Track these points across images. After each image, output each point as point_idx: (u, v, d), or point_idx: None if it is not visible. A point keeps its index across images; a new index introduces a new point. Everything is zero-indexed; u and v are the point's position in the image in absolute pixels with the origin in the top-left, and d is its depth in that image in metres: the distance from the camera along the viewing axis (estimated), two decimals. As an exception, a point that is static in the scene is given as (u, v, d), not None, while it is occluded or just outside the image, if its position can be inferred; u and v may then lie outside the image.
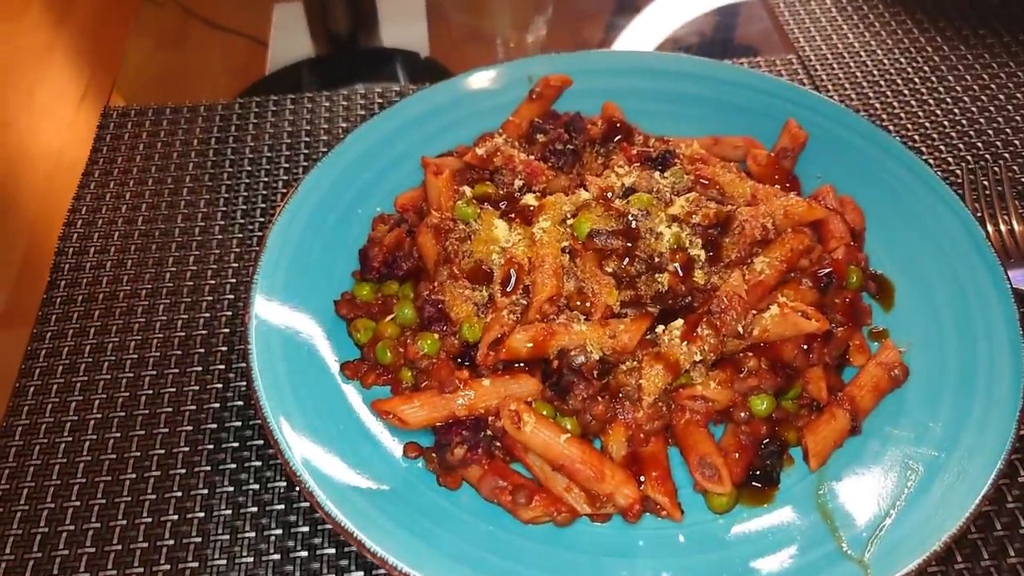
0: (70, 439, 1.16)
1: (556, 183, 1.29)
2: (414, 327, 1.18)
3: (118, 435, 1.16)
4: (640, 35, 1.88)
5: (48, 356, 1.25)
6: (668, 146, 1.30)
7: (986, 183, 1.42)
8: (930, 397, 1.11)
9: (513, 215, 1.21)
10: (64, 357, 1.25)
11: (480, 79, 1.49)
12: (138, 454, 1.14)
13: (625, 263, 1.12)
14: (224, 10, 1.97)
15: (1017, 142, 1.53)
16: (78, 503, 1.10)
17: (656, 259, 1.12)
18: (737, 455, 1.06)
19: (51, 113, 1.70)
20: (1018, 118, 1.58)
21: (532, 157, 1.32)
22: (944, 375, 1.12)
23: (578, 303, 1.12)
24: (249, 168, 1.52)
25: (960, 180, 1.45)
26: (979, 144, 1.53)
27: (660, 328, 1.10)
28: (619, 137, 1.34)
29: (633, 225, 1.13)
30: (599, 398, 1.07)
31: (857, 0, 1.86)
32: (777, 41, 1.79)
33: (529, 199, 1.22)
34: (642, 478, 1.03)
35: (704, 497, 1.04)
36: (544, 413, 1.06)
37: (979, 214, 1.37)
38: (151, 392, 1.21)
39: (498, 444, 1.08)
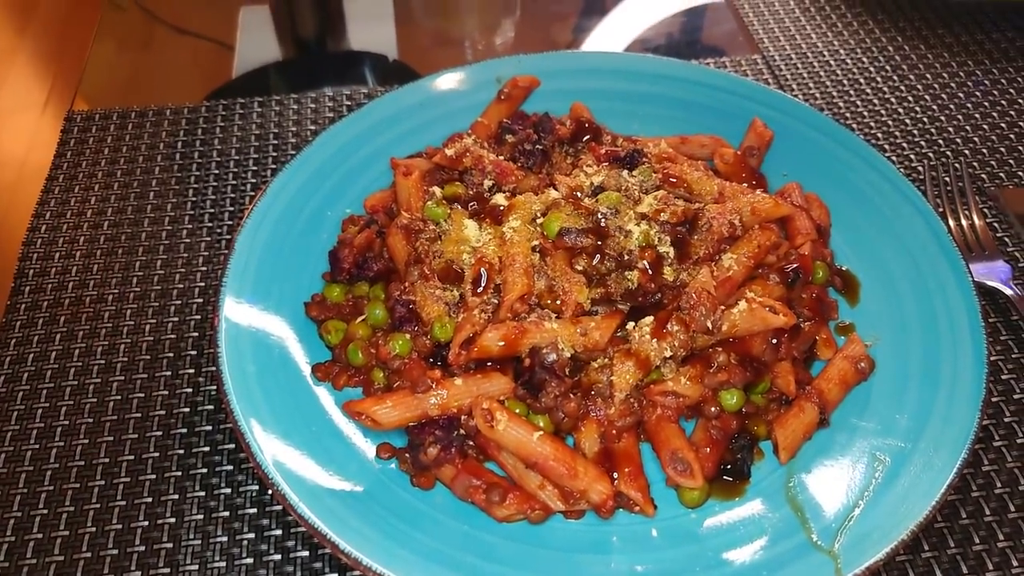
0: (36, 447, 1.14)
1: (526, 183, 1.29)
2: (385, 328, 1.18)
3: (86, 441, 1.15)
4: (608, 36, 1.89)
5: (13, 363, 1.23)
6: (636, 145, 1.31)
7: (947, 179, 1.45)
8: (896, 389, 1.12)
9: (483, 215, 1.21)
10: (29, 364, 1.23)
11: (449, 80, 1.49)
12: (107, 460, 1.13)
13: (595, 261, 1.13)
14: (189, 13, 1.95)
15: (976, 138, 1.57)
16: (45, 511, 1.08)
17: (626, 257, 1.12)
18: (708, 449, 1.07)
19: (15, 118, 1.67)
20: (977, 115, 1.61)
21: (501, 157, 1.32)
22: (909, 367, 1.14)
23: (549, 301, 1.12)
24: (216, 171, 1.51)
25: (922, 176, 1.48)
26: (940, 141, 1.56)
27: (631, 325, 1.11)
28: (588, 137, 1.35)
29: (602, 223, 1.13)
30: (571, 395, 1.08)
31: (820, 1, 1.89)
32: (742, 42, 1.81)
33: (499, 199, 1.23)
34: (615, 474, 1.04)
35: (676, 492, 1.05)
36: (517, 411, 1.06)
37: (940, 209, 1.39)
38: (119, 397, 1.19)
39: (471, 443, 1.08)
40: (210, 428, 1.16)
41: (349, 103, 1.65)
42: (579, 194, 1.19)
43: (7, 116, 1.67)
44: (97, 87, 1.72)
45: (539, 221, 1.17)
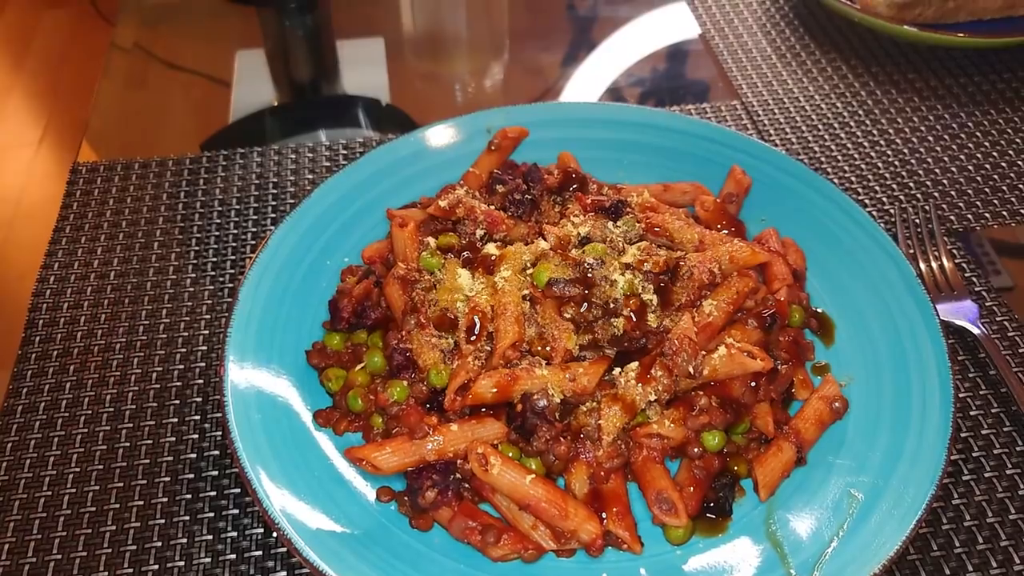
0: (49, 493, 1.19)
1: (516, 231, 1.35)
2: (384, 375, 1.23)
3: (97, 488, 1.19)
4: (594, 80, 1.96)
5: (25, 412, 1.28)
6: (620, 195, 1.37)
7: (917, 221, 1.52)
8: (869, 428, 1.18)
9: (476, 264, 1.27)
10: (41, 412, 1.28)
11: (440, 132, 1.55)
12: (117, 506, 1.17)
13: (582, 309, 1.19)
14: (187, 55, 2.02)
15: (945, 181, 1.64)
16: (59, 556, 1.13)
17: (611, 305, 1.18)
18: (692, 489, 1.12)
19: (9, 156, 1.72)
20: (945, 159, 1.69)
21: (492, 207, 1.38)
22: (881, 406, 1.20)
23: (539, 348, 1.18)
24: (218, 221, 1.56)
25: (893, 219, 1.55)
26: (911, 184, 1.63)
27: (617, 370, 1.16)
28: (574, 186, 1.41)
29: (589, 273, 1.19)
30: (561, 439, 1.13)
31: (796, 47, 1.97)
32: (722, 88, 1.88)
33: (491, 248, 1.28)
34: (604, 514, 1.09)
35: (662, 530, 1.11)
36: (510, 455, 1.12)
37: (911, 251, 1.46)
38: (128, 445, 1.24)
39: (467, 486, 1.13)
40: (216, 473, 1.21)
41: (345, 151, 1.71)
42: (567, 245, 1.25)
43: (2, 153, 1.72)
44: (101, 126, 1.78)
45: (529, 271, 1.23)
